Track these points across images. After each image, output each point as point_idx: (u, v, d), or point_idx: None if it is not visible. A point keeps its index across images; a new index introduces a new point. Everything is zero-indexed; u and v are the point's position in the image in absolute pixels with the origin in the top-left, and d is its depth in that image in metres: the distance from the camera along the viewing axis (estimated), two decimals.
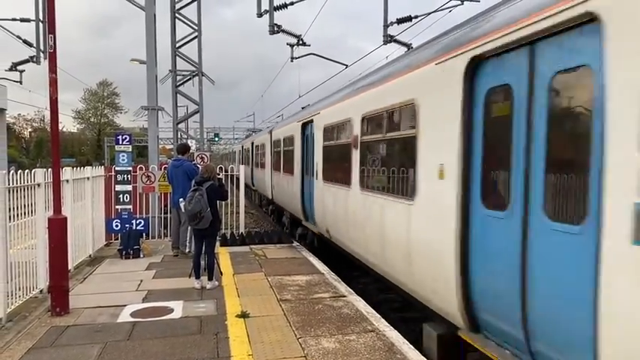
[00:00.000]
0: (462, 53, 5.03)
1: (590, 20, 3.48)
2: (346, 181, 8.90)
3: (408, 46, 12.69)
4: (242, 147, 33.25)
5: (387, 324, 6.46)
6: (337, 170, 9.58)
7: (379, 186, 7.53)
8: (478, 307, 4.96)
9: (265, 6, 13.28)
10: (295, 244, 12.46)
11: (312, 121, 11.94)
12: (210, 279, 8.31)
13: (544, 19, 3.89)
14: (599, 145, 3.39)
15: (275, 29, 13.44)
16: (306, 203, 12.61)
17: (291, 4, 13.40)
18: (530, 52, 4.19)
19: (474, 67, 4.92)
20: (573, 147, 3.83)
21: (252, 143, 26.71)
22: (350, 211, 8.72)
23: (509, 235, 4.39)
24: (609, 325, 3.30)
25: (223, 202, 11.11)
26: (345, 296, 7.69)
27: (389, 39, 12.76)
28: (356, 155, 8.42)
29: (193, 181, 8.51)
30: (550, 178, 3.96)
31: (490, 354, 4.70)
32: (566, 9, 3.63)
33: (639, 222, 3.09)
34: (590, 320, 3.44)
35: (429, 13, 13.13)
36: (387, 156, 7.34)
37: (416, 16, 12.95)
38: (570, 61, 3.75)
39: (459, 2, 12.61)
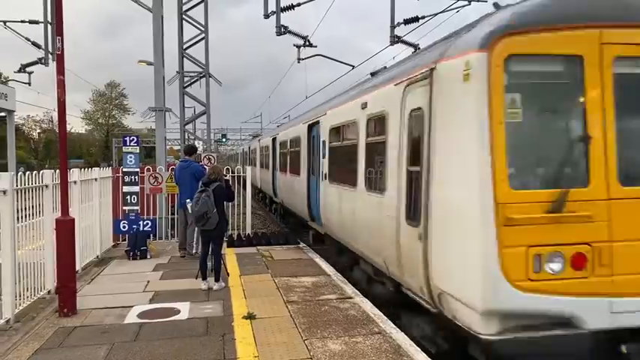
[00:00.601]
0: (305, 123, 13.04)
1: (317, 123, 11.76)
2: (285, 170, 16.37)
3: (415, 46, 12.66)
4: (242, 150, 41.58)
5: (394, 326, 6.44)
6: (283, 165, 16.83)
7: (293, 171, 14.80)
8: (311, 210, 12.18)
9: (272, 7, 13.29)
10: (302, 245, 12.46)
11: (275, 138, 19.28)
12: (217, 280, 8.32)
13: (315, 118, 12.06)
14: (313, 156, 12.23)
15: (282, 30, 13.44)
16: (274, 186, 19.21)
17: (298, 5, 13.40)
18: (317, 126, 11.69)
19: (310, 127, 12.52)
20: (314, 157, 11.97)
21: (249, 147, 33.85)
22: (286, 185, 16.11)
23: (314, 183, 11.68)
24: (323, 203, 10.74)
25: (230, 204, 11.15)
26: (351, 298, 7.67)
27: (396, 39, 12.73)
28: (288, 157, 15.84)
29: (200, 182, 8.53)
30: (313, 165, 12.02)
31: (313, 226, 12.43)
32: (316, 119, 11.84)
33: (319, 174, 11.33)
34: (319, 204, 11.06)
35: (436, 14, 13.08)
36: (295, 158, 14.39)
37: (423, 17, 12.91)
38: (314, 132, 12.12)
39: (466, 2, 12.57)
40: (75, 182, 9.04)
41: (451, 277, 5.01)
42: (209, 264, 8.45)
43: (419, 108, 5.75)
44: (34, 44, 19.99)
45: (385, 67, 9.71)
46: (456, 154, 4.96)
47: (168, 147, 21.52)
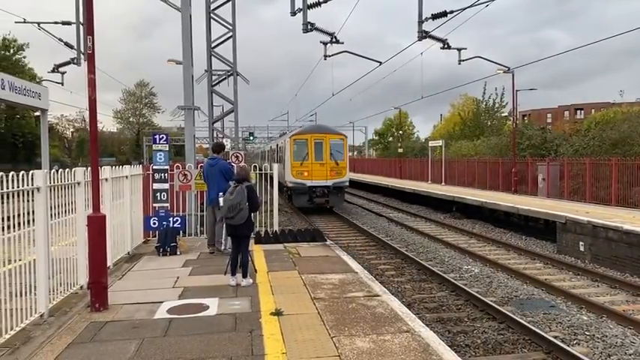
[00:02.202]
0: (275, 143, 35.23)
1: (277, 144, 33.82)
2: (274, 161, 29.27)
3: (444, 41, 12.49)
4: (261, 151, 57.92)
5: (423, 324, 6.36)
6: (273, 160, 31.10)
7: (273, 161, 30.49)
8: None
9: (299, 4, 13.29)
10: (329, 242, 12.43)
11: (270, 146, 38.68)
12: (244, 276, 8.36)
13: (276, 142, 34.47)
14: (277, 155, 30.88)
15: (308, 27, 13.42)
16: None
17: (325, 1, 13.36)
18: (276, 144, 32.99)
19: (276, 145, 33.21)
20: (278, 155, 30.09)
21: (264, 150, 49.76)
22: (282, 171, 24.43)
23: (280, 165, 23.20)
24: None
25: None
26: (379, 295, 7.61)
27: (424, 34, 12.58)
28: (273, 156, 33.24)
29: (233, 180, 8.63)
30: (277, 158, 29.63)
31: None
32: (276, 142, 35.34)
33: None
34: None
35: (464, 9, 12.90)
36: (274, 157, 32.36)
37: (451, 11, 12.73)
38: (277, 147, 32.43)
39: None
40: (106, 180, 9.18)
41: (287, 176, 24.38)
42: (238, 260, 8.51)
43: (285, 146, 25.61)
44: (67, 45, 20.44)
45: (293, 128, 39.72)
46: (287, 155, 24.67)
47: (197, 145, 21.95)
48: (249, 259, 8.65)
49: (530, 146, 29.74)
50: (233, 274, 8.42)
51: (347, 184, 25.26)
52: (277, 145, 31.09)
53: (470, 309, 9.88)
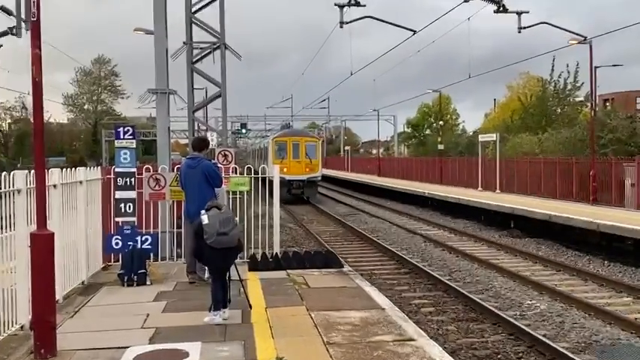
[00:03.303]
0: (261, 143, 59.94)
1: (264, 144, 59.12)
2: (261, 158, 51.65)
3: (498, 2, 12.49)
4: (252, 149, 70.74)
5: None
6: (259, 158, 54.24)
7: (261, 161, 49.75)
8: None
9: None
10: (346, 268, 12.42)
11: (259, 146, 60.04)
12: (225, 306, 8.62)
13: (261, 144, 60.43)
14: (262, 153, 54.10)
15: None
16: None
17: None
18: (264, 144, 53.86)
19: (263, 145, 55.88)
20: (263, 153, 51.95)
21: (255, 148, 64.74)
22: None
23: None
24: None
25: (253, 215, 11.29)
26: (413, 340, 7.59)
27: None
28: (261, 155, 53.44)
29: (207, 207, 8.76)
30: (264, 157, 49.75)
31: None
32: (263, 144, 58.03)
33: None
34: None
35: None
36: (260, 155, 54.47)
37: None
38: (263, 146, 54.38)
39: None
40: (55, 186, 9.24)
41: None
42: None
43: (267, 147, 46.46)
44: (3, 10, 20.63)
45: (281, 127, 60.36)
46: (270, 154, 42.93)
47: (172, 140, 21.95)
48: (243, 290, 8.74)
49: (615, 141, 29.57)
50: (217, 309, 8.51)
51: (320, 178, 42.29)
52: (263, 145, 50.20)
53: (535, 358, 9.83)
